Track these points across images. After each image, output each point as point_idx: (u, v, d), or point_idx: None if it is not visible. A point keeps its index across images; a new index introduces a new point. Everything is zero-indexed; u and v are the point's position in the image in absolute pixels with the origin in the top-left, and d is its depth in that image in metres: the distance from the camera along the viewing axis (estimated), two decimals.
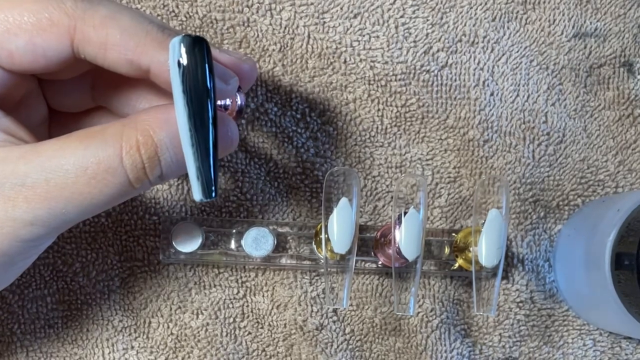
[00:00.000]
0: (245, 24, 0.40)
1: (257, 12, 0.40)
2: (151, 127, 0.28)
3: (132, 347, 0.39)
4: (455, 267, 0.39)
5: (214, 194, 0.28)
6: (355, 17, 0.40)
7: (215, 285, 0.40)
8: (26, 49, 0.28)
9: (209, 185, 0.28)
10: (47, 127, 0.34)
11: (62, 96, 0.33)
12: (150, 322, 0.40)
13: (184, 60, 0.26)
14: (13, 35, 0.28)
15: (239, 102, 0.34)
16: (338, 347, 0.40)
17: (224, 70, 0.29)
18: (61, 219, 0.28)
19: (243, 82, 0.31)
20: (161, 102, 0.31)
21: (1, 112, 0.30)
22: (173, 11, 0.40)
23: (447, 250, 0.40)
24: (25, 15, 0.28)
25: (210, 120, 0.27)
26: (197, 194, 0.28)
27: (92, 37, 0.28)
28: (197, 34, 0.40)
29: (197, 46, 0.27)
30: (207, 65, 0.27)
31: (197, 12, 0.40)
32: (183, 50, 0.26)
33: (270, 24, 0.40)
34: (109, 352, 0.39)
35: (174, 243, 0.38)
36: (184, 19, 0.40)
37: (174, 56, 0.26)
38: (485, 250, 0.35)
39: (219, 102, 0.33)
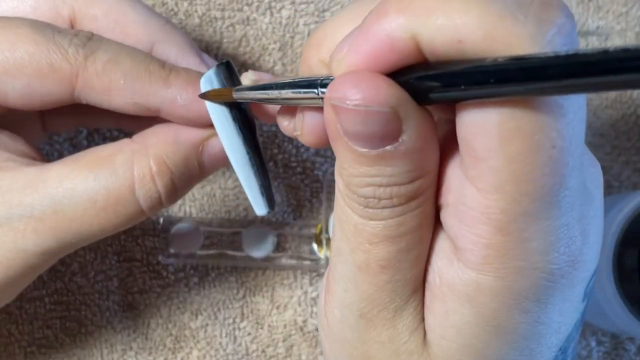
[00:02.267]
0: (245, 22, 0.40)
1: (257, 10, 0.40)
2: (164, 152, 0.28)
3: (131, 348, 0.39)
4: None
5: (275, 205, 0.29)
6: None
7: (214, 286, 0.39)
8: (23, 92, 0.27)
9: (272, 197, 0.29)
10: (40, 122, 0.33)
11: None
12: (149, 323, 0.39)
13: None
14: (11, 78, 0.27)
15: None
16: None
17: None
18: (70, 247, 0.28)
19: None
20: None
21: None
22: (172, 9, 0.39)
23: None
24: (25, 58, 0.27)
25: (257, 139, 0.28)
26: (262, 209, 0.29)
27: (95, 85, 0.27)
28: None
29: (231, 71, 0.28)
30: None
31: (196, 11, 0.39)
32: (223, 79, 0.27)
33: (270, 23, 0.40)
34: (108, 353, 0.39)
35: (173, 243, 0.38)
36: (183, 17, 0.39)
37: (214, 88, 0.27)
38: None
39: None
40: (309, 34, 0.40)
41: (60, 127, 0.34)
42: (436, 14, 0.18)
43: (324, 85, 0.22)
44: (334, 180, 0.36)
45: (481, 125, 0.19)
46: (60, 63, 0.27)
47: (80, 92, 0.28)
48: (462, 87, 0.19)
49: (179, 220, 0.38)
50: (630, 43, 0.41)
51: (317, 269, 0.40)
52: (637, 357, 0.40)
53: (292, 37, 0.40)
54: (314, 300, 0.40)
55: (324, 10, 0.40)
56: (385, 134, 0.20)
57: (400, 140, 0.20)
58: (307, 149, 0.40)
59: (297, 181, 0.40)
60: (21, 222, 0.27)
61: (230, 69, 0.28)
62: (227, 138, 0.28)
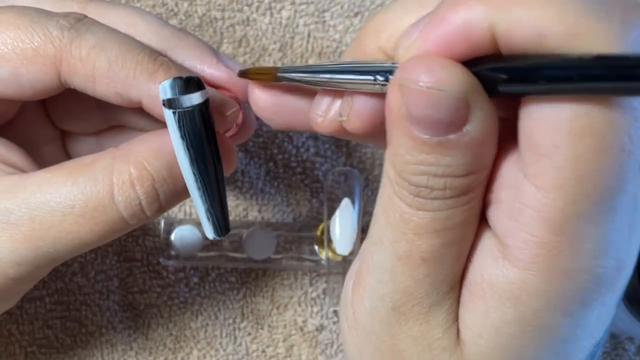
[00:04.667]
0: (245, 23, 0.40)
1: (257, 10, 0.40)
2: (145, 158, 0.26)
3: (131, 348, 0.39)
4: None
5: (226, 231, 0.27)
6: (355, 15, 0.40)
7: (215, 286, 0.40)
8: (10, 79, 0.27)
9: (220, 223, 0.27)
10: (60, 145, 0.32)
11: (68, 118, 0.32)
12: (149, 323, 0.39)
13: (178, 106, 0.25)
14: None
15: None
16: (338, 348, 0.40)
17: (221, 100, 0.28)
18: (50, 258, 0.27)
19: (240, 95, 0.29)
20: None
21: None
22: (172, 10, 0.39)
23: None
24: (9, 43, 0.26)
25: (214, 161, 0.26)
26: (209, 233, 0.27)
27: (79, 69, 0.26)
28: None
29: (191, 88, 0.25)
30: (203, 106, 0.25)
31: (196, 11, 0.39)
32: (176, 93, 0.25)
33: (270, 23, 0.40)
34: (108, 353, 0.39)
35: (173, 243, 0.38)
36: (183, 17, 0.39)
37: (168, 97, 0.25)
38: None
39: None
40: (309, 34, 0.40)
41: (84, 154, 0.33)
42: (518, 6, 0.18)
43: (383, 72, 0.22)
44: (334, 180, 0.36)
45: (551, 121, 0.18)
46: (44, 46, 0.26)
47: (66, 76, 0.27)
48: (542, 81, 0.18)
49: (180, 222, 0.39)
50: None
51: (317, 270, 0.40)
52: (636, 357, 0.40)
53: (292, 38, 0.40)
54: (314, 300, 0.40)
55: (324, 11, 0.40)
56: (451, 121, 0.19)
57: (464, 130, 0.20)
58: (308, 148, 0.40)
59: (297, 181, 0.40)
60: None
61: (196, 86, 0.25)
62: (177, 154, 0.26)
